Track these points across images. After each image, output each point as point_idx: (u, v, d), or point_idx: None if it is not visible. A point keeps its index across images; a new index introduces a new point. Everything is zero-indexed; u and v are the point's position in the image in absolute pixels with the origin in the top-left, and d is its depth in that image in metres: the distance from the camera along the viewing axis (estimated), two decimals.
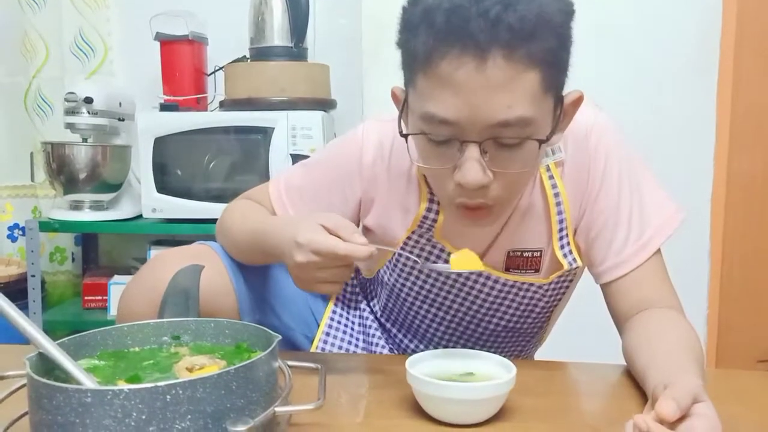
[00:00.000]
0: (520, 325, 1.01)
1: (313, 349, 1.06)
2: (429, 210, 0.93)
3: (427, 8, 0.71)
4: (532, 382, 0.83)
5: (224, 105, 1.98)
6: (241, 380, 0.56)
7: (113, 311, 1.96)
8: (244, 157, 1.92)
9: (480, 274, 0.94)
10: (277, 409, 0.58)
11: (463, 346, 1.03)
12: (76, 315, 2.03)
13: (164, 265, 0.88)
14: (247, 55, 2.02)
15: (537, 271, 0.94)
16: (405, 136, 0.80)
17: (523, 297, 0.97)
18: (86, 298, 2.05)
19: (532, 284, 0.95)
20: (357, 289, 1.13)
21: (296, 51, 1.96)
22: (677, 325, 0.84)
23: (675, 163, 1.95)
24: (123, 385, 0.53)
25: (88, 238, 2.26)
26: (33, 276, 1.95)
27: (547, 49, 0.71)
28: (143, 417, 0.51)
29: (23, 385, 0.63)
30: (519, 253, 0.93)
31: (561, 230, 0.91)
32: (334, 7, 2.14)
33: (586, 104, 0.86)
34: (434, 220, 0.93)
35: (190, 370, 0.63)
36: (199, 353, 0.69)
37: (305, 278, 0.79)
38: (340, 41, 2.12)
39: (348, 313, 1.12)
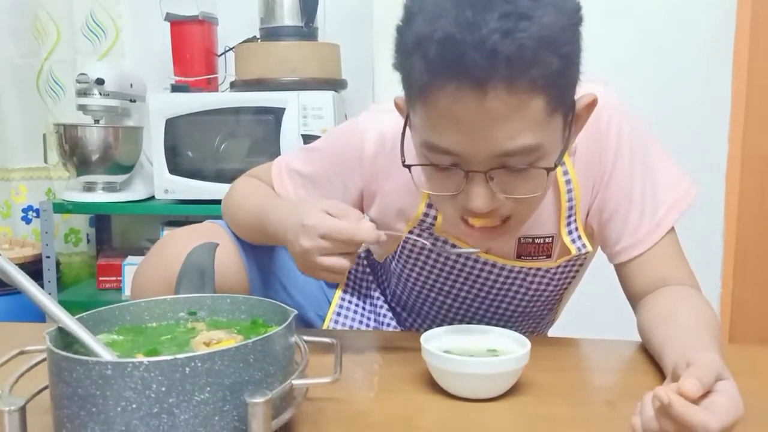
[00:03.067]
0: (530, 309, 1.01)
1: (325, 325, 1.07)
2: (426, 215, 0.91)
3: (419, 36, 0.66)
4: (547, 358, 0.83)
5: (235, 85, 1.98)
6: (259, 354, 0.56)
7: (128, 292, 1.98)
8: (256, 138, 1.92)
9: (486, 262, 0.94)
10: (294, 382, 0.58)
11: None
12: (91, 296, 2.05)
13: (175, 243, 0.89)
14: (258, 36, 2.01)
15: (549, 257, 0.93)
16: (408, 167, 0.76)
17: (531, 282, 0.96)
18: (101, 278, 2.07)
19: (539, 269, 0.94)
20: (368, 269, 1.14)
21: (306, 31, 1.95)
22: (694, 301, 0.83)
23: (689, 141, 1.92)
24: (143, 358, 0.53)
25: (101, 220, 2.28)
26: (48, 257, 1.97)
27: (552, 73, 0.66)
28: (163, 389, 0.52)
29: (42, 360, 0.64)
30: (530, 240, 0.91)
31: (570, 216, 0.90)
32: None
33: (594, 81, 0.83)
34: (432, 222, 0.92)
35: (207, 344, 0.64)
36: (215, 328, 0.69)
37: (309, 264, 0.78)
38: (350, 20, 2.10)
39: (359, 293, 1.12)
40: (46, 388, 0.60)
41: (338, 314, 1.08)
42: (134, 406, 0.52)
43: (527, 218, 0.80)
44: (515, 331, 1.02)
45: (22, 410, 0.53)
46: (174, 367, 0.52)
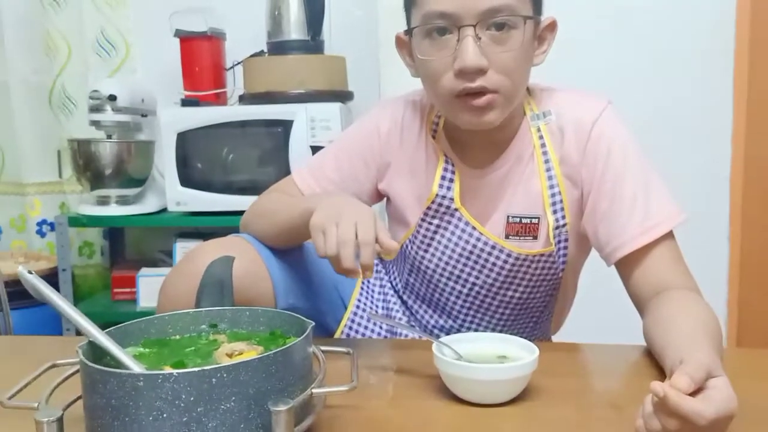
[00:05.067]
0: (531, 297, 1.05)
1: (339, 331, 1.11)
2: (446, 170, 1.01)
3: None
4: (554, 364, 0.86)
5: (244, 99, 2.02)
6: (280, 364, 0.59)
7: (142, 303, 2.02)
8: (265, 150, 1.96)
9: (494, 246, 1.00)
10: (314, 390, 0.61)
11: (482, 318, 1.08)
12: (106, 307, 2.08)
13: (202, 255, 0.93)
14: (265, 50, 2.05)
15: (535, 238, 1.00)
16: (411, 30, 0.92)
17: (528, 268, 1.01)
18: (115, 290, 2.11)
19: (535, 256, 1.00)
20: (379, 266, 1.19)
21: (313, 44, 1.99)
22: (696, 306, 0.86)
23: (693, 145, 1.96)
24: (172, 370, 0.56)
25: (115, 232, 2.32)
26: (64, 270, 2.01)
27: None
28: (191, 399, 0.55)
29: (74, 373, 0.67)
30: (518, 220, 0.99)
31: (554, 204, 0.98)
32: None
33: (597, 98, 0.95)
34: (452, 180, 1.01)
35: (230, 355, 0.67)
36: (236, 340, 0.72)
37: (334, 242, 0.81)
38: (355, 33, 2.14)
39: (372, 298, 1.16)
40: (78, 399, 0.63)
41: (352, 321, 1.12)
42: (165, 415, 0.55)
43: (512, 94, 0.92)
44: (519, 321, 1.06)
45: (60, 420, 0.56)
46: (202, 378, 0.55)
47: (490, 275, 1.03)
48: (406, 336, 1.13)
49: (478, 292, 1.05)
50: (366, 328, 1.12)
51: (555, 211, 0.99)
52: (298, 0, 1.98)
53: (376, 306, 1.15)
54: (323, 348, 0.73)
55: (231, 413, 0.56)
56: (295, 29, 1.99)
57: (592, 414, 0.74)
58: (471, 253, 1.02)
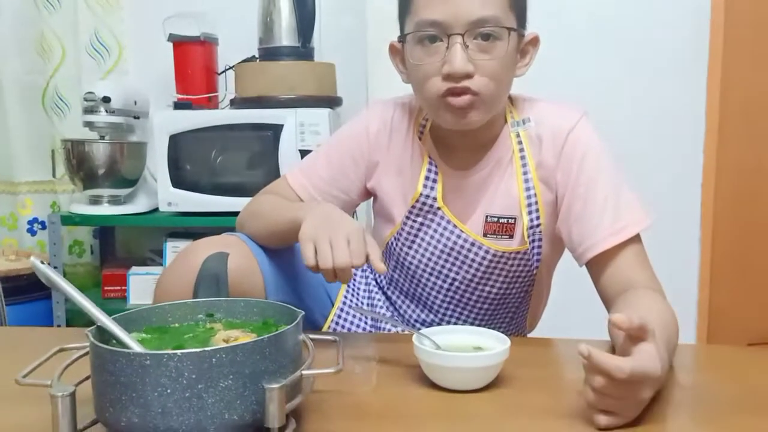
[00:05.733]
0: (509, 291, 1.12)
1: (326, 326, 1.17)
2: (429, 171, 1.08)
3: None
4: (526, 355, 0.92)
5: (235, 103, 2.08)
6: (273, 348, 0.65)
7: (132, 300, 2.07)
8: (255, 153, 2.01)
9: (473, 243, 1.07)
10: (303, 372, 0.67)
11: (461, 313, 1.14)
12: (97, 304, 2.05)
13: (196, 253, 0.98)
14: (257, 55, 2.10)
15: (511, 237, 1.07)
16: (404, 37, 1.00)
17: (505, 264, 1.08)
18: (106, 288, 2.15)
19: (511, 254, 1.07)
20: (366, 265, 1.24)
21: (303, 50, 2.06)
22: (658, 304, 0.92)
23: (667, 153, 2.04)
24: (176, 350, 0.62)
25: (105, 231, 2.36)
26: (55, 267, 2.05)
27: None
28: (193, 376, 0.60)
29: (82, 355, 0.73)
30: (496, 219, 1.06)
31: (529, 205, 1.05)
32: (339, 8, 2.23)
33: (574, 109, 1.03)
34: (435, 180, 1.07)
35: (226, 341, 0.72)
36: (231, 328, 0.78)
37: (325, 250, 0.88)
38: (345, 40, 2.21)
39: (358, 295, 1.22)
40: (86, 378, 0.68)
41: (339, 316, 1.18)
42: (169, 391, 0.60)
43: (493, 98, 0.99)
44: (496, 316, 1.13)
45: (72, 395, 0.61)
46: (203, 358, 0.61)
47: (469, 271, 1.09)
48: (389, 330, 1.19)
49: (458, 288, 1.12)
50: (352, 323, 1.18)
51: (530, 212, 1.05)
52: (289, 7, 2.04)
53: (362, 302, 1.21)
54: (312, 336, 0.78)
55: (228, 390, 0.62)
56: (286, 36, 2.05)
57: (558, 400, 0.80)
58: (452, 249, 1.09)
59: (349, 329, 1.17)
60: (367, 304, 1.22)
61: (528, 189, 1.05)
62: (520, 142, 1.06)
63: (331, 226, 0.89)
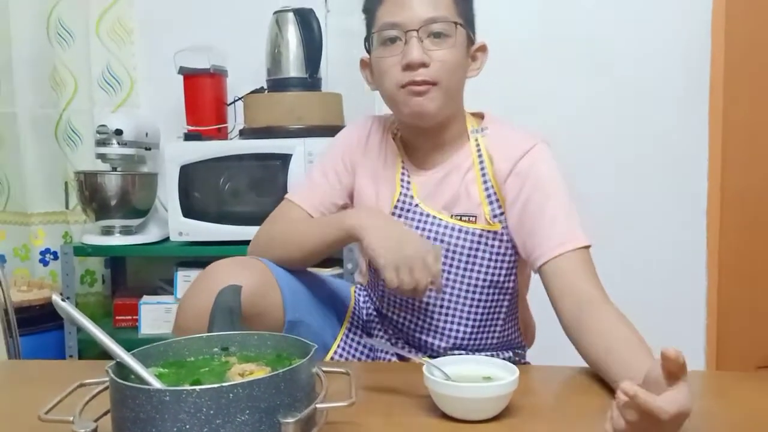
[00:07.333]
0: (495, 279, 1.17)
1: (333, 348, 1.23)
2: (403, 173, 1.20)
3: None
4: (534, 384, 0.94)
5: (244, 133, 2.11)
6: (288, 382, 0.67)
7: (144, 330, 2.09)
8: (265, 182, 2.04)
9: (453, 228, 1.16)
10: (318, 405, 0.69)
11: (454, 309, 1.17)
12: (108, 334, 2.13)
13: (219, 273, 1.06)
14: (265, 86, 2.14)
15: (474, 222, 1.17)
16: (370, 37, 1.14)
17: (485, 244, 1.15)
18: (117, 317, 2.17)
19: (488, 232, 1.15)
20: (369, 289, 1.30)
21: (311, 81, 2.09)
22: (621, 320, 0.98)
23: (670, 177, 2.06)
24: (194, 386, 0.64)
25: (116, 261, 2.39)
26: (68, 298, 2.06)
27: None
28: (211, 412, 0.62)
29: (101, 391, 0.75)
30: (459, 218, 1.16)
31: (491, 203, 1.15)
32: (345, 39, 2.27)
33: (534, 137, 1.15)
34: (409, 181, 1.19)
35: (241, 375, 0.74)
36: (245, 361, 0.80)
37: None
38: (351, 71, 2.22)
39: (361, 320, 1.28)
40: (106, 413, 0.70)
41: (347, 336, 1.25)
42: (187, 426, 0.62)
43: (449, 88, 1.12)
44: (488, 313, 1.18)
45: (95, 431, 0.63)
46: (220, 394, 0.63)
47: (454, 257, 1.16)
48: (390, 359, 1.22)
49: (447, 278, 1.16)
50: (358, 343, 1.24)
51: (491, 203, 1.15)
52: (297, 39, 2.08)
53: (365, 324, 1.27)
54: (324, 369, 0.80)
55: (245, 425, 0.64)
56: (294, 67, 2.09)
57: (569, 428, 0.82)
58: (435, 240, 1.16)
59: (356, 349, 1.24)
60: (369, 326, 1.26)
61: (487, 189, 1.16)
62: (478, 147, 1.18)
63: (407, 250, 1.02)
